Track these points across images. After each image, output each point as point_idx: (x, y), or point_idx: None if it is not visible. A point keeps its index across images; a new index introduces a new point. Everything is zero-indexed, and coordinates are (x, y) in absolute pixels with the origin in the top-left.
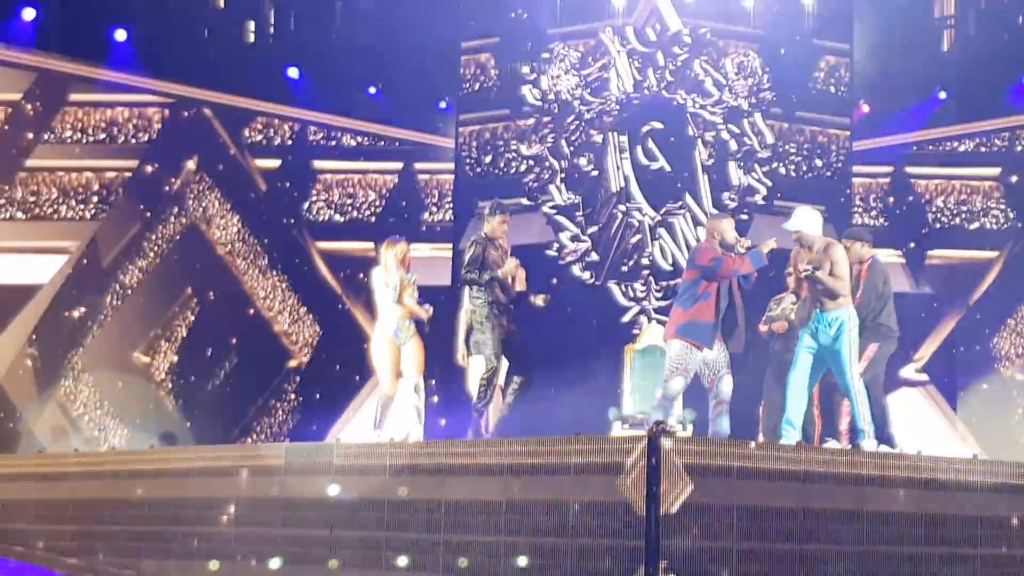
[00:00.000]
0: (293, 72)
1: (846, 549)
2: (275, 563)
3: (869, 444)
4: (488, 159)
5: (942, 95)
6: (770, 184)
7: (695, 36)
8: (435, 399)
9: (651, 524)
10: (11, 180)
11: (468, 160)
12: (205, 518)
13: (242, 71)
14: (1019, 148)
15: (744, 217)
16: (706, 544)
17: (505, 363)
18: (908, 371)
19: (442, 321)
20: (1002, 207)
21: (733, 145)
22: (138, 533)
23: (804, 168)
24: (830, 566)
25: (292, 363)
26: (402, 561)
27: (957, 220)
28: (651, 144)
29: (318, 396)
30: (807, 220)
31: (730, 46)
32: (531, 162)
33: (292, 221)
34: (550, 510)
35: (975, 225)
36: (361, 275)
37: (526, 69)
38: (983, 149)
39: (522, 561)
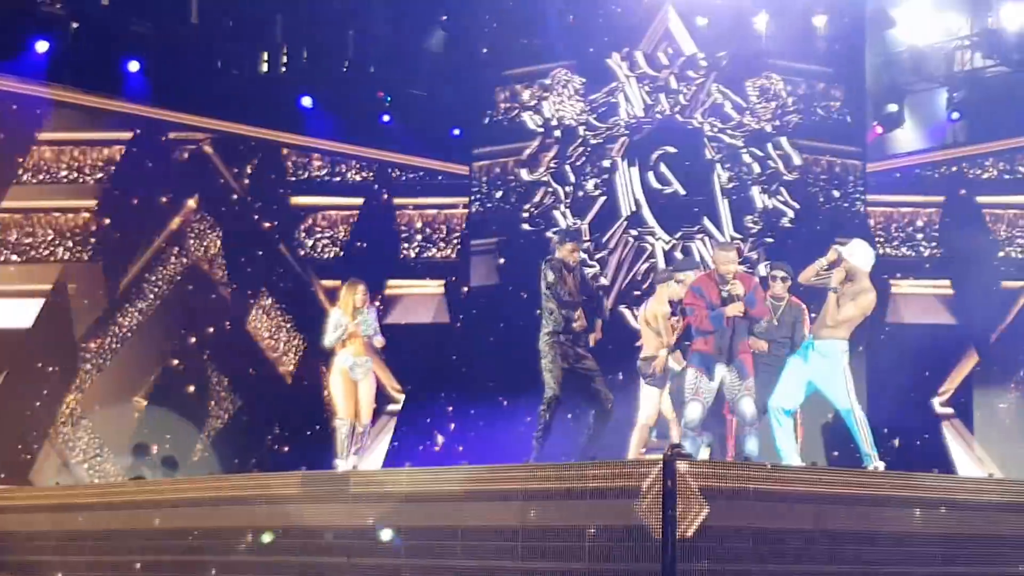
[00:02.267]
0: (307, 101)
1: (864, 570)
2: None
3: (876, 466)
4: (499, 194)
5: (955, 116)
6: (797, 207)
7: (711, 60)
8: (452, 426)
9: (667, 548)
10: (6, 223)
11: (479, 195)
12: (223, 547)
13: (255, 102)
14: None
15: (769, 240)
16: (722, 567)
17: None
18: (935, 404)
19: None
20: None
21: (756, 168)
22: (155, 563)
23: (822, 199)
24: None
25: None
26: None
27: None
28: (663, 168)
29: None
30: (862, 255)
31: (748, 70)
32: (533, 188)
33: (296, 259)
34: (566, 535)
35: (1001, 254)
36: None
37: (526, 95)
38: (1006, 176)
39: None
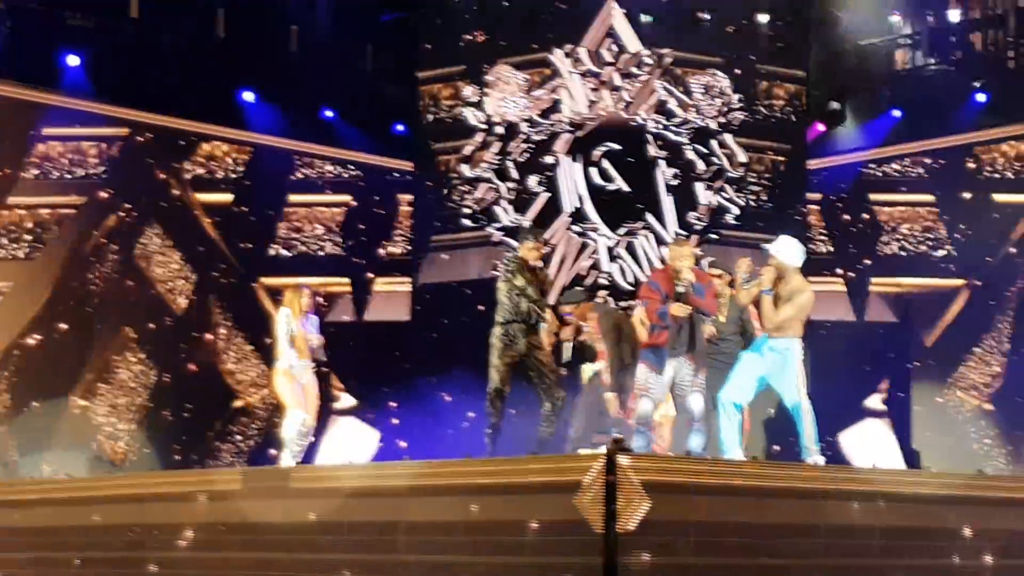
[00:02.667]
0: (248, 96)
1: (804, 563)
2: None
3: (815, 461)
4: (445, 191)
5: (896, 113)
6: (743, 204)
7: (655, 57)
8: (395, 421)
9: (609, 542)
10: None
11: (425, 193)
12: (163, 543)
13: (195, 96)
14: (971, 167)
15: (714, 237)
16: (664, 561)
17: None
18: (873, 401)
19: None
20: (968, 234)
21: (701, 165)
22: (95, 559)
23: (765, 197)
24: None
25: (238, 403)
26: None
27: (923, 248)
28: (607, 165)
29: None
30: (789, 250)
31: (692, 68)
32: (475, 185)
33: (237, 257)
34: (508, 529)
35: (942, 252)
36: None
37: (468, 92)
38: (937, 172)
39: None
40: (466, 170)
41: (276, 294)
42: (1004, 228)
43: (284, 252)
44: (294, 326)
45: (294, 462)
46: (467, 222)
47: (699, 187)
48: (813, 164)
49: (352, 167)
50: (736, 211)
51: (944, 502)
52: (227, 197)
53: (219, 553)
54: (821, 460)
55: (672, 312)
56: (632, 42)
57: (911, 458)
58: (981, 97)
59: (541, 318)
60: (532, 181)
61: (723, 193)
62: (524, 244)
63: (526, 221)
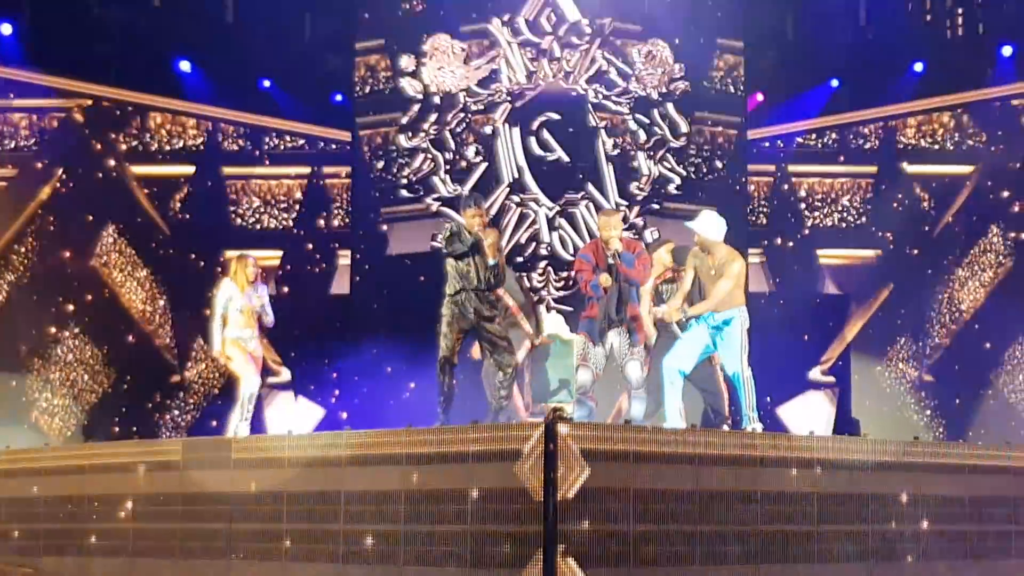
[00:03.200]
0: (185, 66)
1: (742, 529)
2: None
3: (754, 428)
4: (381, 164)
5: (834, 83)
6: (684, 174)
7: (595, 27)
8: (336, 392)
9: (548, 509)
10: None
11: (363, 165)
12: (103, 514)
13: (131, 66)
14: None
15: (655, 207)
16: (603, 527)
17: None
18: (815, 373)
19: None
20: (906, 204)
21: (643, 135)
22: (35, 531)
23: (705, 169)
24: (727, 546)
25: (175, 378)
26: None
27: (863, 219)
28: (546, 135)
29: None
30: (709, 224)
31: (633, 38)
32: (412, 155)
33: (173, 229)
34: (449, 498)
35: (881, 223)
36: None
37: (405, 61)
38: (873, 143)
39: None
40: (403, 141)
41: (215, 266)
42: (943, 198)
43: (221, 224)
44: (238, 298)
45: (247, 430)
46: (405, 193)
47: (641, 157)
48: (752, 134)
49: (289, 138)
50: (678, 181)
51: (880, 468)
52: (163, 169)
53: (160, 524)
54: (759, 427)
55: (600, 284)
56: (571, 11)
57: (851, 428)
58: (919, 67)
59: (494, 283)
60: (470, 152)
61: (664, 163)
62: (466, 211)
63: (465, 191)
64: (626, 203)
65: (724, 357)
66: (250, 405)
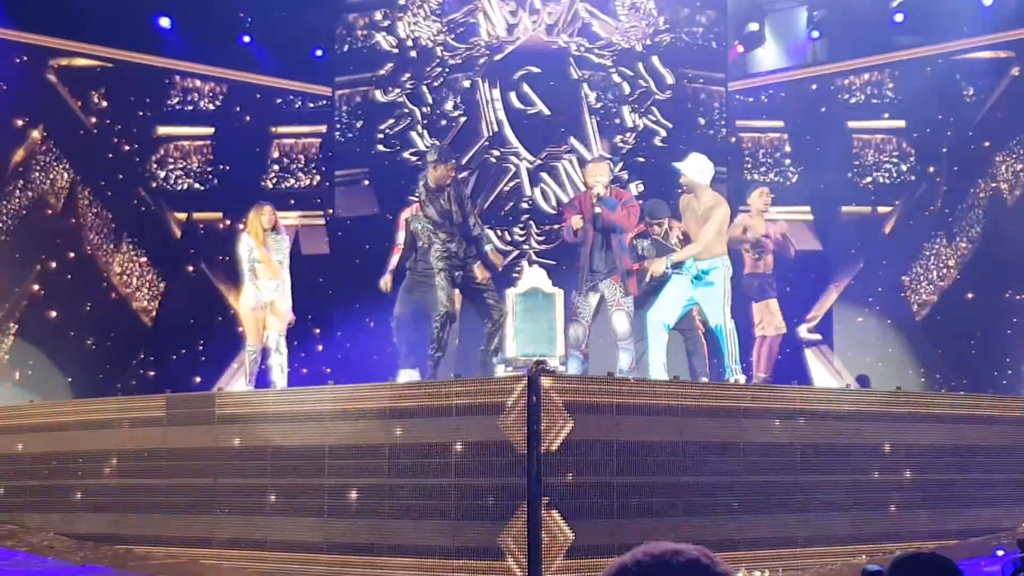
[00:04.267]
0: (164, 22)
1: (725, 480)
2: None
3: (737, 379)
4: (359, 124)
5: (815, 34)
6: (670, 127)
7: None
8: (320, 348)
9: (532, 462)
10: None
11: (339, 125)
12: (88, 471)
13: (108, 22)
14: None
15: (640, 160)
16: (586, 480)
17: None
18: (801, 331)
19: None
20: (894, 160)
21: (627, 88)
22: (19, 488)
23: (689, 124)
24: (710, 497)
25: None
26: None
27: (847, 174)
28: (527, 88)
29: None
30: (696, 168)
31: None
32: (389, 110)
33: (148, 192)
34: (433, 451)
35: (867, 180)
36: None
37: (379, 16)
38: (874, 101)
39: None
40: (379, 95)
41: (196, 224)
42: (928, 150)
43: (197, 185)
44: (256, 249)
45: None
46: (382, 148)
47: (625, 110)
48: (733, 86)
49: (269, 94)
50: (663, 133)
51: (863, 418)
52: (137, 129)
53: (144, 480)
54: (742, 379)
55: (572, 225)
56: None
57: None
58: (899, 17)
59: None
60: (448, 105)
61: (650, 116)
62: (438, 168)
63: (443, 144)
64: (610, 156)
65: (707, 308)
66: (253, 366)
